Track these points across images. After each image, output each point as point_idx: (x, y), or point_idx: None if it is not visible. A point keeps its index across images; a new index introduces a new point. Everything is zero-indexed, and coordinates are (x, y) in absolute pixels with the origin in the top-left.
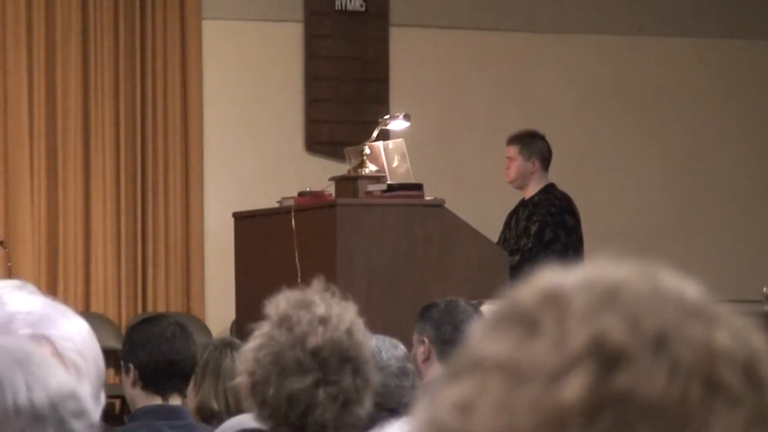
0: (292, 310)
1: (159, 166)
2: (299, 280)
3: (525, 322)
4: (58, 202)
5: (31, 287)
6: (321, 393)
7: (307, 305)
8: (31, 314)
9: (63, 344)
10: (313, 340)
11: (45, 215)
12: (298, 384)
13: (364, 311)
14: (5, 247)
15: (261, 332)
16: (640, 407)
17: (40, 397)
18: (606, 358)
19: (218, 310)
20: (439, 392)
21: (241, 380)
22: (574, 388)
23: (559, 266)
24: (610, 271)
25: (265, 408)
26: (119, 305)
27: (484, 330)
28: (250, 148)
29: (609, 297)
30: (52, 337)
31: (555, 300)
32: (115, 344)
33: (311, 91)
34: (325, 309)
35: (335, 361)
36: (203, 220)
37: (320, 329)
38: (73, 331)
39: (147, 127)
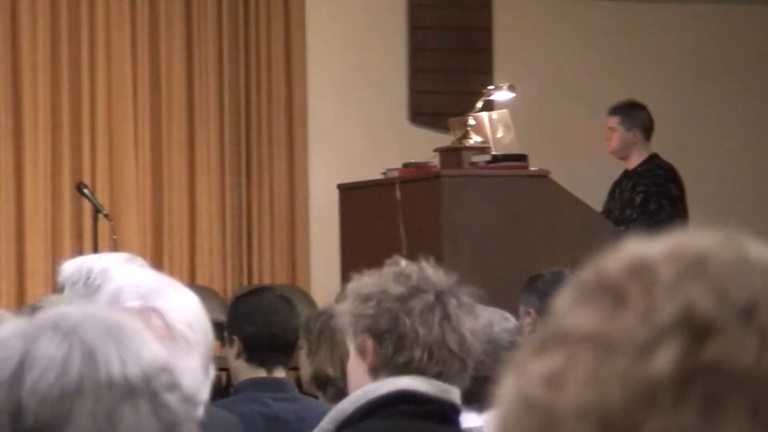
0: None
1: (263, 138)
2: (404, 251)
3: (612, 294)
4: (162, 174)
5: (139, 260)
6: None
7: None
8: (140, 287)
9: (172, 317)
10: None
11: (150, 188)
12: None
13: (469, 282)
14: (111, 220)
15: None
16: (730, 378)
17: (133, 370)
18: (695, 330)
19: (323, 281)
20: (526, 365)
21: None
22: (663, 360)
23: (648, 236)
24: (696, 240)
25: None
26: (224, 277)
27: (571, 302)
28: (354, 120)
29: (696, 267)
30: (162, 310)
31: (642, 271)
32: (221, 317)
33: (415, 62)
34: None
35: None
36: (308, 192)
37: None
38: (183, 304)
39: (251, 100)
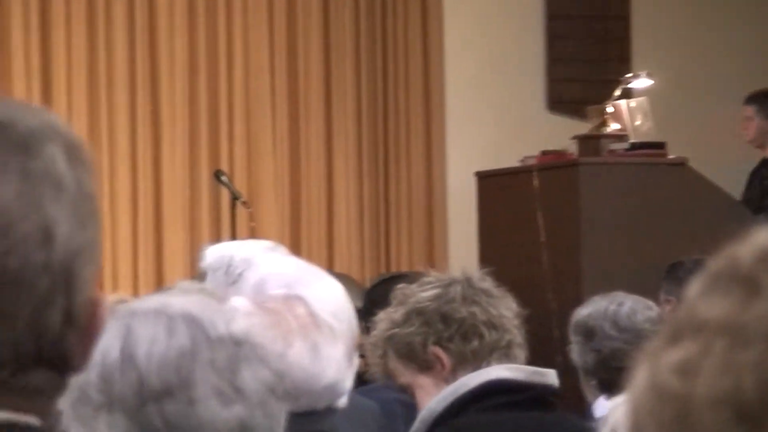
0: None
1: (401, 125)
2: (542, 239)
3: (745, 283)
4: (300, 162)
5: (282, 249)
6: None
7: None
8: (285, 275)
9: (317, 305)
10: None
11: (287, 176)
12: None
13: (607, 270)
14: (248, 207)
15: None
16: None
17: (236, 329)
18: None
19: (461, 269)
20: (660, 354)
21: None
22: None
23: None
24: None
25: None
26: (362, 265)
27: (703, 291)
28: (491, 108)
29: None
30: (307, 298)
31: None
32: (358, 304)
33: (552, 51)
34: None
35: None
36: (445, 180)
37: None
38: (328, 293)
39: (388, 87)
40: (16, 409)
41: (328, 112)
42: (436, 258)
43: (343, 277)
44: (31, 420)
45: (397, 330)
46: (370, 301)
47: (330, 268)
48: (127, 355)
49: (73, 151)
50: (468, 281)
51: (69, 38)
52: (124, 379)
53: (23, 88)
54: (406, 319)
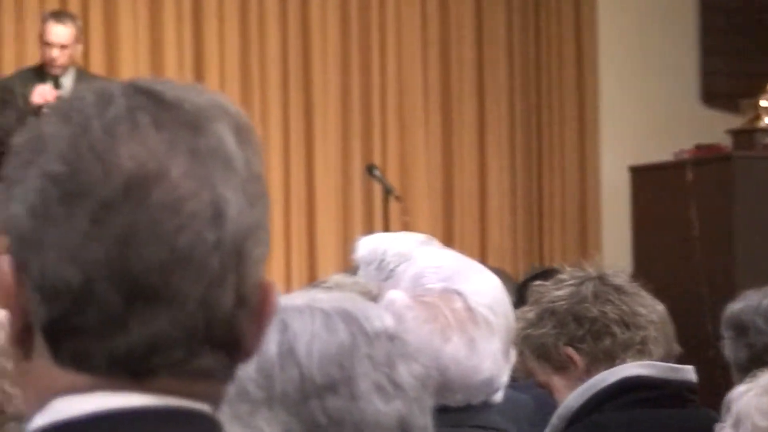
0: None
1: (554, 119)
2: (695, 233)
3: None
4: (453, 156)
5: (435, 242)
6: None
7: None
8: (442, 269)
9: (474, 299)
10: None
11: (440, 169)
12: None
13: (761, 263)
14: (401, 202)
15: None
16: None
17: (389, 323)
18: None
19: (614, 263)
20: None
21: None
22: None
23: None
24: None
25: None
26: (515, 259)
27: None
28: (644, 101)
29: None
30: (464, 292)
31: None
32: (512, 298)
33: (706, 43)
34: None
35: None
36: (599, 173)
37: None
38: (485, 287)
39: (542, 81)
40: (188, 394)
41: (481, 104)
42: (589, 251)
43: (495, 271)
44: (203, 407)
45: (530, 330)
46: (523, 295)
47: (483, 262)
48: (287, 351)
49: (241, 131)
50: (601, 279)
51: (221, 32)
52: (284, 375)
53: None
54: (540, 319)
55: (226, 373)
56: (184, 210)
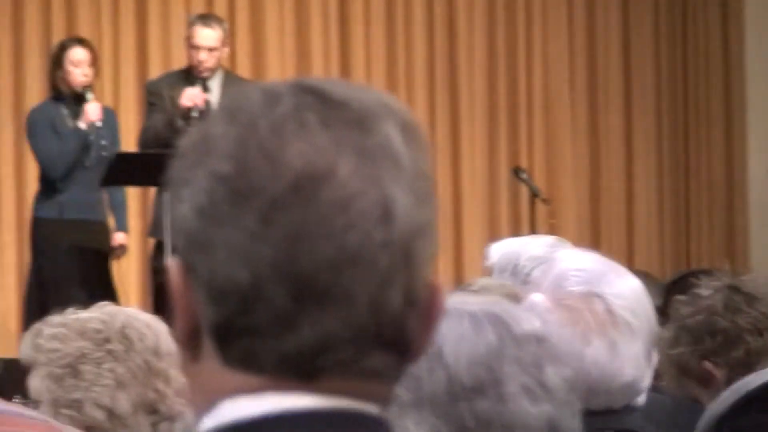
0: None
1: (701, 122)
2: None
3: None
4: (599, 159)
5: (567, 244)
6: None
7: None
8: (584, 271)
9: (615, 302)
10: None
11: (587, 172)
12: None
13: None
14: (548, 204)
15: None
16: None
17: (537, 325)
18: None
19: (763, 267)
20: None
21: None
22: None
23: None
24: None
25: None
26: (662, 261)
27: None
28: None
29: None
30: (605, 296)
31: None
32: (659, 301)
33: None
34: None
35: None
36: (746, 176)
37: None
38: (626, 290)
39: (688, 84)
40: (356, 395)
41: (628, 107)
42: (737, 252)
43: (641, 274)
44: (371, 408)
45: (669, 350)
46: (670, 297)
47: (629, 264)
48: (435, 353)
49: (408, 130)
50: (732, 288)
51: (368, 37)
52: (433, 377)
53: None
54: (676, 338)
55: (395, 374)
56: (352, 208)
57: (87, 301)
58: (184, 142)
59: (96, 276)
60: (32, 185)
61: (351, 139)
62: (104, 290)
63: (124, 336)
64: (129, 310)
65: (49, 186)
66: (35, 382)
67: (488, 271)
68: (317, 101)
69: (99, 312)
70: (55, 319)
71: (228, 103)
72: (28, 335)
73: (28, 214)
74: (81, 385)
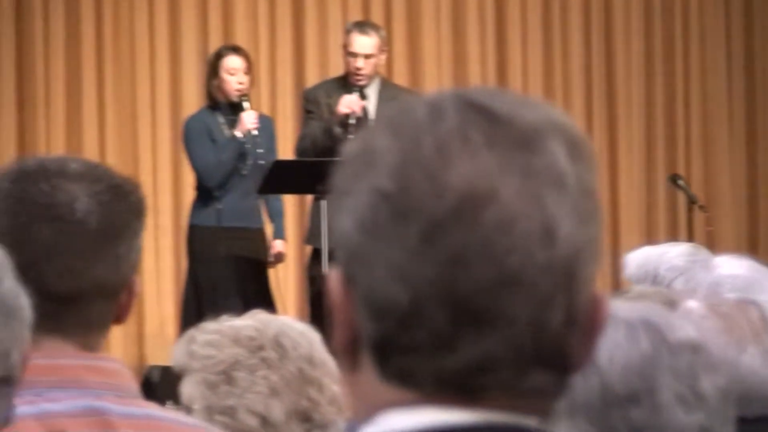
0: None
1: None
2: None
3: None
4: (757, 165)
5: (703, 252)
6: None
7: None
8: (739, 278)
9: None
10: None
11: (744, 179)
12: None
13: None
14: (705, 212)
15: None
16: None
17: (692, 333)
18: None
19: None
20: None
21: None
22: None
23: None
24: None
25: None
26: None
27: None
28: None
29: None
30: (760, 303)
31: None
32: None
33: None
34: None
35: None
36: None
37: None
38: None
39: None
40: (516, 410)
41: None
42: None
43: None
44: (531, 422)
45: None
46: None
47: None
48: (593, 364)
49: (574, 147)
50: None
51: (524, 45)
52: (586, 385)
53: None
54: None
55: (556, 390)
56: (514, 231)
57: (244, 309)
58: (346, 151)
59: (253, 284)
60: (189, 193)
61: (515, 160)
62: (261, 298)
63: (277, 344)
64: (283, 319)
65: (205, 194)
66: (188, 388)
67: (626, 282)
68: (482, 118)
69: (253, 320)
70: (209, 326)
71: (392, 115)
72: (182, 342)
73: (184, 221)
74: (235, 391)
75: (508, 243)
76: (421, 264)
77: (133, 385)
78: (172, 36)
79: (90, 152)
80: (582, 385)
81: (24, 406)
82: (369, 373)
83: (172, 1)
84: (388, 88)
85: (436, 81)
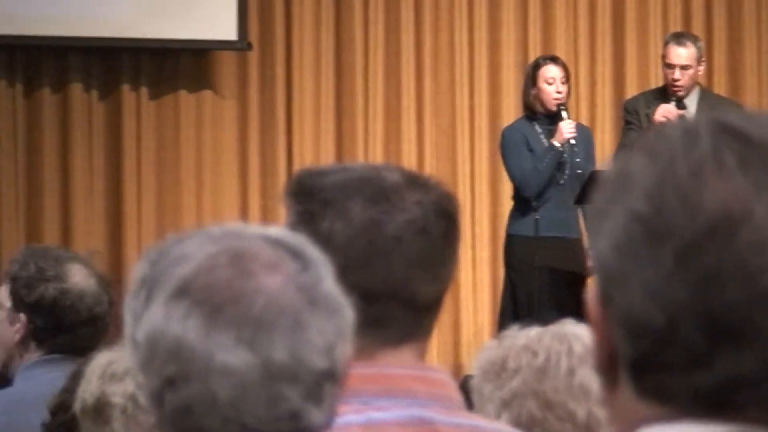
0: None
1: None
2: None
3: None
4: None
5: None
6: None
7: None
8: None
9: None
10: None
11: None
12: None
13: None
14: None
15: None
16: None
17: None
18: None
19: None
20: None
21: None
22: None
23: None
24: None
25: None
26: None
27: None
28: None
29: None
30: None
31: None
32: None
33: None
34: None
35: None
36: None
37: None
38: None
39: None
40: None
41: None
42: None
43: None
44: None
45: None
46: None
47: None
48: None
49: None
50: None
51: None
52: None
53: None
54: None
55: None
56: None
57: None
58: (606, 173)
59: (570, 295)
60: (506, 203)
61: None
62: (578, 310)
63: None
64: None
65: (523, 203)
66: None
67: None
68: (736, 142)
69: (551, 329)
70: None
71: (650, 139)
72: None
73: (502, 231)
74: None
75: (761, 262)
76: (675, 285)
77: (459, 397)
78: (491, 48)
79: (408, 162)
80: None
81: (350, 415)
82: (626, 390)
83: (492, 15)
84: (707, 98)
85: (755, 96)
